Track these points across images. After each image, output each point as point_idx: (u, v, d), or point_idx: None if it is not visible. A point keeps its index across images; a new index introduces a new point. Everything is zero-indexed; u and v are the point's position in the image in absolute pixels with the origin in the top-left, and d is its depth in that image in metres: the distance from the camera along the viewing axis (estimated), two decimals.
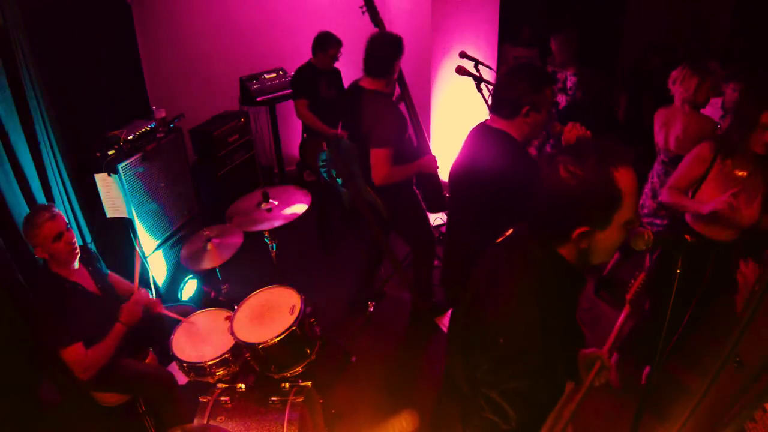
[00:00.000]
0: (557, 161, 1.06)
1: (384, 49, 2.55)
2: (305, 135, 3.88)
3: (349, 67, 3.99)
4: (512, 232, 1.31)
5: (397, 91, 2.93)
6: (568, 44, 4.04)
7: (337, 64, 3.81)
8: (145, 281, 2.54)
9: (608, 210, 1.05)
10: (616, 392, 2.70)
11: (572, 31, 4.05)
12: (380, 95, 2.59)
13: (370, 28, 3.13)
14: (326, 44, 3.62)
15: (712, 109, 3.21)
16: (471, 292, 1.33)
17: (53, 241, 1.97)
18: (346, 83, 3.60)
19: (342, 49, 3.73)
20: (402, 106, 3.01)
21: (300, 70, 3.76)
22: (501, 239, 1.32)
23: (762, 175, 2.14)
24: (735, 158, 2.16)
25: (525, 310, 1.10)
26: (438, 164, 2.84)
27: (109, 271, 2.41)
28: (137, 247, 2.59)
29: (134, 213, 2.90)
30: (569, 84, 4.03)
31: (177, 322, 2.32)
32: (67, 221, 2.05)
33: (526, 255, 1.17)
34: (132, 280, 2.31)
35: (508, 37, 4.74)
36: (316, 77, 3.73)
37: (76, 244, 2.09)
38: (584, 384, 1.32)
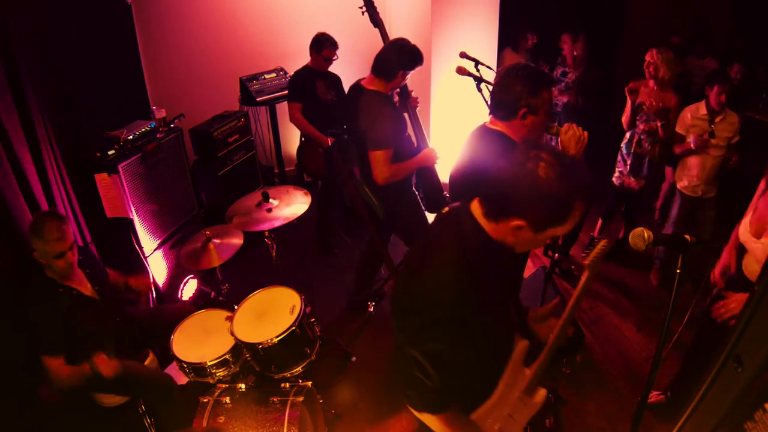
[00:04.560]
0: (541, 158, 1.07)
1: (395, 54, 2.56)
2: (302, 139, 3.87)
3: (348, 68, 3.99)
4: (452, 206, 1.34)
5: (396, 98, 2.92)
6: (587, 45, 4.09)
7: (336, 66, 3.81)
8: None
9: (551, 223, 1.11)
10: (616, 392, 2.70)
11: (583, 32, 4.11)
12: (378, 95, 2.59)
13: (370, 29, 3.13)
14: (321, 45, 3.62)
15: None
16: (409, 260, 1.40)
17: (54, 257, 1.98)
18: (345, 86, 3.59)
19: (340, 52, 3.72)
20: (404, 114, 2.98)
21: (296, 73, 3.75)
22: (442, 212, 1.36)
23: None
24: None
25: (442, 283, 1.16)
26: (438, 155, 2.82)
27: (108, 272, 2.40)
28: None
29: (134, 213, 2.90)
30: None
31: (176, 323, 2.32)
32: (73, 239, 2.04)
33: (454, 228, 1.23)
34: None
35: (509, 42, 4.72)
36: (312, 79, 3.71)
37: (76, 263, 2.09)
38: (549, 341, 1.34)
